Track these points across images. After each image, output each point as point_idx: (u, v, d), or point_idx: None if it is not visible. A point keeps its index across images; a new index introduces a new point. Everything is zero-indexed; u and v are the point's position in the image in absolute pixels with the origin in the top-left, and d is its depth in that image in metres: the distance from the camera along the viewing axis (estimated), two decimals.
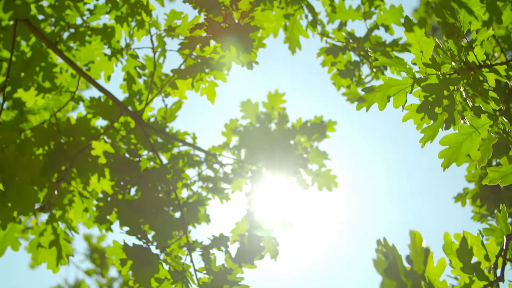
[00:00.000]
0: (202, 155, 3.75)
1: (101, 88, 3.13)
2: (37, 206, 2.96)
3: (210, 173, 3.68)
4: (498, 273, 1.84)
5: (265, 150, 3.72)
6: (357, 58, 3.71)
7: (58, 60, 3.33)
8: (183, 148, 3.57)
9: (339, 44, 3.65)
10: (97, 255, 8.45)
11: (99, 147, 2.99)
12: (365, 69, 3.74)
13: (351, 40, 3.62)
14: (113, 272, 8.28)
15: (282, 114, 3.92)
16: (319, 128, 3.91)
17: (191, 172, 3.71)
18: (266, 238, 3.52)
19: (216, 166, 3.68)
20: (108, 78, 3.23)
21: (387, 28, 3.59)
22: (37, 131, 3.16)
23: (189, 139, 3.64)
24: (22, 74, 3.20)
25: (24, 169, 2.47)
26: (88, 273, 8.40)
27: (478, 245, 1.86)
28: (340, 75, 3.63)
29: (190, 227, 3.47)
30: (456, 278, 1.82)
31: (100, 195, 3.01)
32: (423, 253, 1.58)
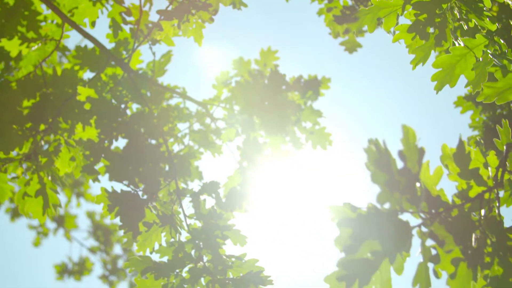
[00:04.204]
0: (192, 109, 3.65)
1: (86, 34, 3.04)
2: (22, 156, 2.88)
3: (201, 128, 3.58)
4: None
5: (258, 104, 3.61)
6: (355, 5, 3.58)
7: (43, 12, 3.23)
8: (173, 102, 3.47)
9: None
10: (100, 232, 8.42)
11: (85, 92, 2.91)
12: None
13: None
14: (117, 249, 8.25)
15: (275, 70, 3.80)
16: (312, 85, 3.77)
17: (182, 126, 3.61)
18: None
19: (207, 121, 3.58)
20: (93, 24, 3.13)
21: None
22: (23, 82, 3.08)
23: None
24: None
25: (4, 107, 2.39)
26: (92, 250, 8.39)
27: (478, 157, 1.74)
28: (336, 21, 3.50)
29: (182, 184, 3.37)
30: None
31: (87, 144, 2.92)
32: (417, 151, 1.47)
